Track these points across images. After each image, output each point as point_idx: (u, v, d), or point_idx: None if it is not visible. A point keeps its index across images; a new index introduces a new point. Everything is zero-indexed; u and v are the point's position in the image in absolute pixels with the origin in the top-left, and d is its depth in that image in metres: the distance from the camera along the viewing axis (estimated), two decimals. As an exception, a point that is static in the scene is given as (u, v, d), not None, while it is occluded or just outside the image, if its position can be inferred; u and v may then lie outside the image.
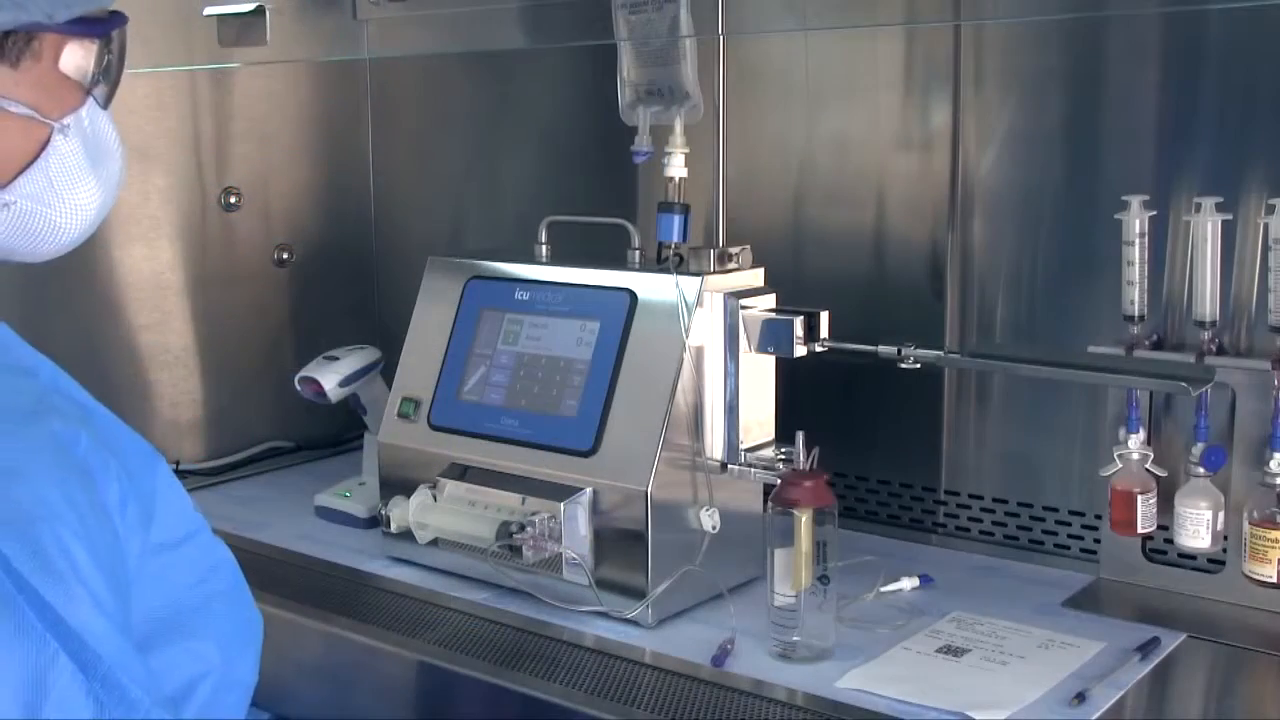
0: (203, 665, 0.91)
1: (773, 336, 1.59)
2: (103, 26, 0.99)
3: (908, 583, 1.63)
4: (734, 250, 1.66)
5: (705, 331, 1.59)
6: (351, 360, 2.02)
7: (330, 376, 1.99)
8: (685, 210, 1.72)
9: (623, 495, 1.53)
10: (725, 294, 1.60)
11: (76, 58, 0.98)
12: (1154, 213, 1.58)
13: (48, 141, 0.97)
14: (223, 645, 0.93)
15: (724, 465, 1.60)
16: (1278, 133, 1.55)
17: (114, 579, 0.82)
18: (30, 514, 0.79)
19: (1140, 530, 1.59)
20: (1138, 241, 1.58)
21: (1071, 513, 1.75)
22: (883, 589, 1.61)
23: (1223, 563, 1.57)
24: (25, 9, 0.91)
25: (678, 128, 1.76)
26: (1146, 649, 1.43)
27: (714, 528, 1.56)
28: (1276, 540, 1.50)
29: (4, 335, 0.92)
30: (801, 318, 1.58)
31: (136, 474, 0.90)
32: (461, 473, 1.68)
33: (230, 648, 0.93)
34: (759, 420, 1.63)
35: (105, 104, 1.02)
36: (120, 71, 1.02)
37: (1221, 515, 1.54)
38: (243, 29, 2.20)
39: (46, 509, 0.79)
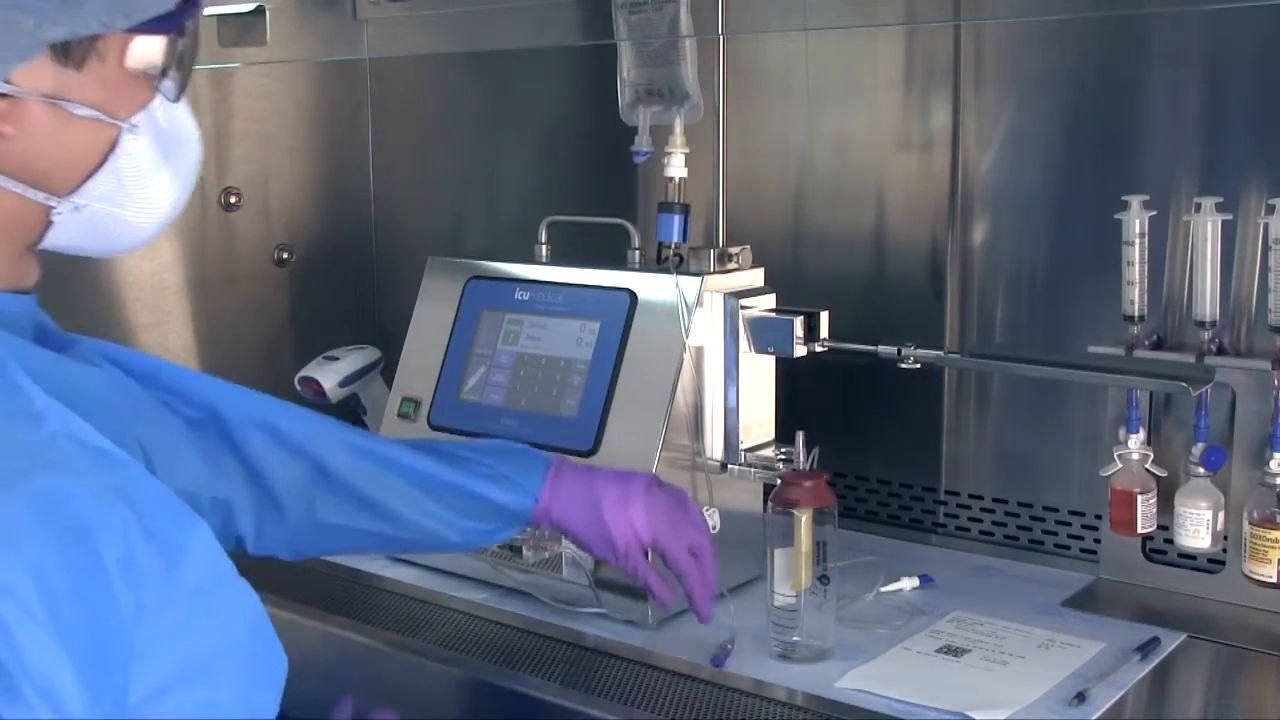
0: (222, 712, 0.86)
1: (773, 336, 1.59)
2: (172, 20, 0.95)
3: (908, 583, 1.63)
4: (734, 250, 1.66)
5: (705, 331, 1.59)
6: (351, 360, 2.02)
7: (330, 376, 1.99)
8: (685, 210, 1.72)
9: (623, 495, 1.53)
10: (725, 294, 1.60)
11: (145, 53, 0.95)
12: (1154, 213, 1.58)
13: (116, 142, 0.95)
14: (245, 689, 0.89)
15: (724, 465, 1.60)
16: (1278, 133, 1.55)
17: (92, 649, 0.76)
18: None
19: (1140, 530, 1.59)
20: (1138, 241, 1.58)
21: (1071, 513, 1.75)
22: (883, 589, 1.61)
23: (1223, 563, 1.57)
24: (81, 21, 0.88)
25: (678, 128, 1.76)
26: (1146, 649, 1.43)
27: (714, 527, 1.56)
28: (1276, 540, 1.50)
29: (18, 378, 0.85)
30: (801, 318, 1.58)
31: (156, 521, 0.83)
32: (461, 473, 1.68)
33: (252, 690, 0.90)
34: (759, 420, 1.63)
35: (176, 96, 0.98)
36: (193, 62, 0.98)
37: (1221, 515, 1.54)
38: (242, 29, 2.20)
39: None
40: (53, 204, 0.94)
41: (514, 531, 1.39)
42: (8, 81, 0.88)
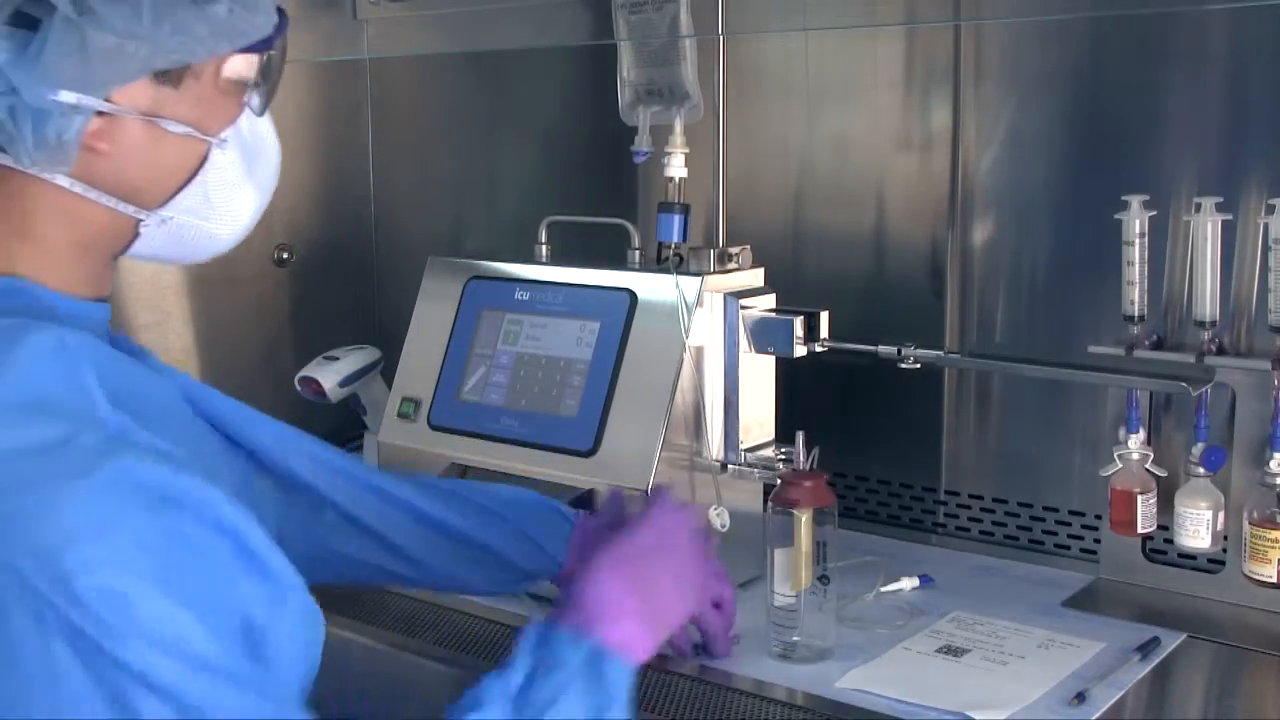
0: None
1: (773, 336, 1.59)
2: (269, 40, 0.98)
3: (908, 583, 1.63)
4: (734, 250, 1.66)
5: (705, 331, 1.59)
6: (351, 360, 2.02)
7: (330, 376, 1.99)
8: (685, 210, 1.72)
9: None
10: (725, 294, 1.60)
11: (238, 70, 0.97)
12: (1154, 213, 1.58)
13: (206, 157, 0.97)
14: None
15: (724, 465, 1.60)
16: (1278, 133, 1.55)
17: (204, 596, 0.81)
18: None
19: (1140, 530, 1.59)
20: (1138, 241, 1.58)
21: (1071, 513, 1.75)
22: (883, 589, 1.61)
23: (1223, 563, 1.57)
24: (190, 50, 0.91)
25: (678, 128, 1.77)
26: (1146, 649, 1.43)
27: (723, 527, 1.56)
28: (1276, 540, 1.50)
29: (89, 381, 0.86)
30: (801, 318, 1.58)
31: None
32: (462, 473, 1.68)
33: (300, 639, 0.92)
34: (759, 420, 1.63)
35: (261, 110, 1.01)
36: (279, 76, 1.01)
37: (1221, 515, 1.54)
38: (243, 29, 2.20)
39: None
40: (141, 217, 0.96)
41: (535, 585, 1.42)
42: (107, 100, 0.90)
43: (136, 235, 0.98)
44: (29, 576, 0.76)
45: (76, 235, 0.94)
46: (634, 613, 1.03)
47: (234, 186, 1.00)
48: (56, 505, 0.77)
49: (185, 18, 0.89)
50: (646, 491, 1.51)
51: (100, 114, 0.90)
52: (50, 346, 0.85)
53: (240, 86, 0.99)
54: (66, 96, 0.87)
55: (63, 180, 0.92)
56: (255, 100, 1.01)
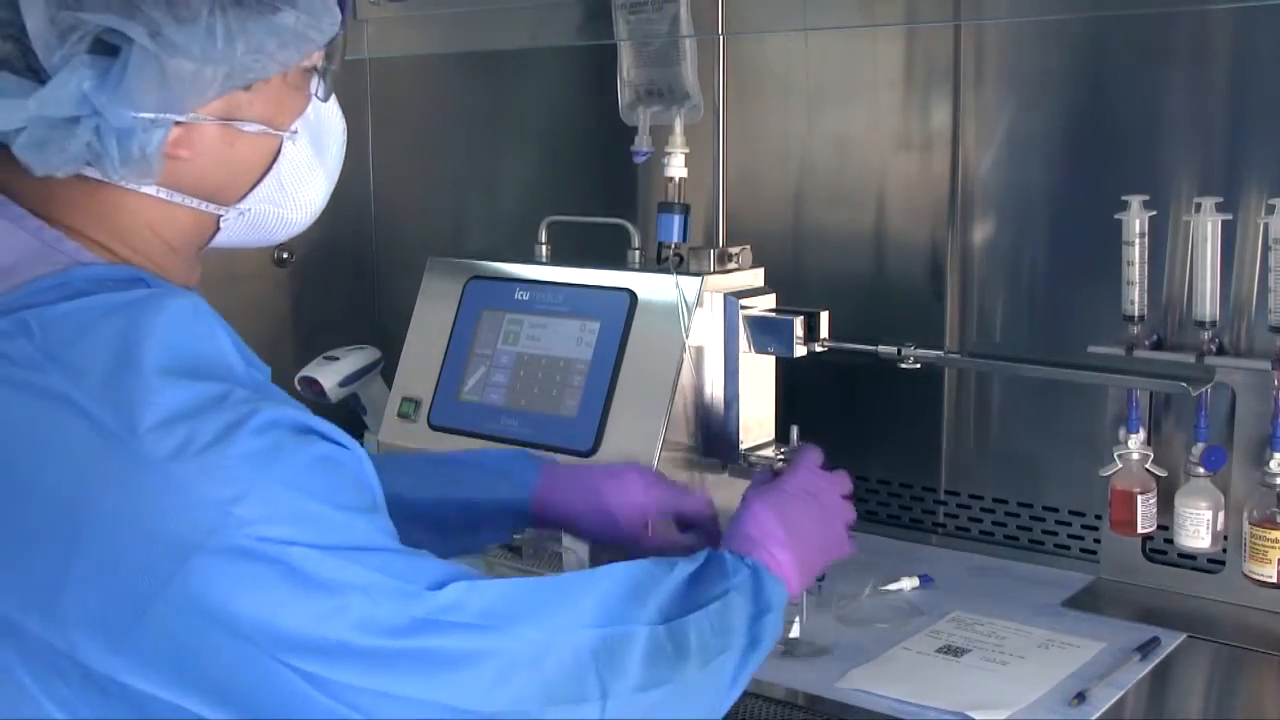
0: None
1: (773, 336, 1.59)
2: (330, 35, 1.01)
3: (908, 583, 1.63)
4: (734, 250, 1.66)
5: (705, 331, 1.59)
6: (351, 360, 2.02)
7: (330, 376, 1.99)
8: (685, 210, 1.72)
9: (623, 495, 1.53)
10: (725, 294, 1.60)
11: (304, 64, 1.00)
12: (1154, 213, 1.58)
13: (279, 150, 1.01)
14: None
15: (724, 465, 1.60)
16: (1278, 133, 1.55)
17: (359, 504, 0.89)
18: None
19: (1140, 530, 1.59)
20: (1138, 241, 1.58)
21: (1071, 513, 1.75)
22: (882, 588, 1.61)
23: (1223, 563, 1.57)
24: (264, 67, 0.94)
25: (678, 128, 1.77)
26: (1146, 649, 1.43)
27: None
28: (1276, 540, 1.50)
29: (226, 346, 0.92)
30: (801, 318, 1.58)
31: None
32: (461, 473, 1.68)
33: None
34: (759, 420, 1.63)
35: (327, 96, 1.04)
36: (341, 63, 1.04)
37: (1221, 515, 1.54)
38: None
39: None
40: (222, 213, 1.00)
41: (514, 531, 1.41)
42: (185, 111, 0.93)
43: (218, 229, 1.02)
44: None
45: (167, 236, 0.98)
46: (785, 544, 1.14)
47: (306, 174, 1.04)
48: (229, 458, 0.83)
49: (257, 34, 0.92)
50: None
51: (179, 123, 0.93)
52: (190, 311, 0.90)
53: (307, 77, 1.01)
54: (147, 114, 0.90)
55: (149, 189, 0.95)
56: (321, 88, 1.04)
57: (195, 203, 0.98)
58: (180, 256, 1.00)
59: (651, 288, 1.61)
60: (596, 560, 1.54)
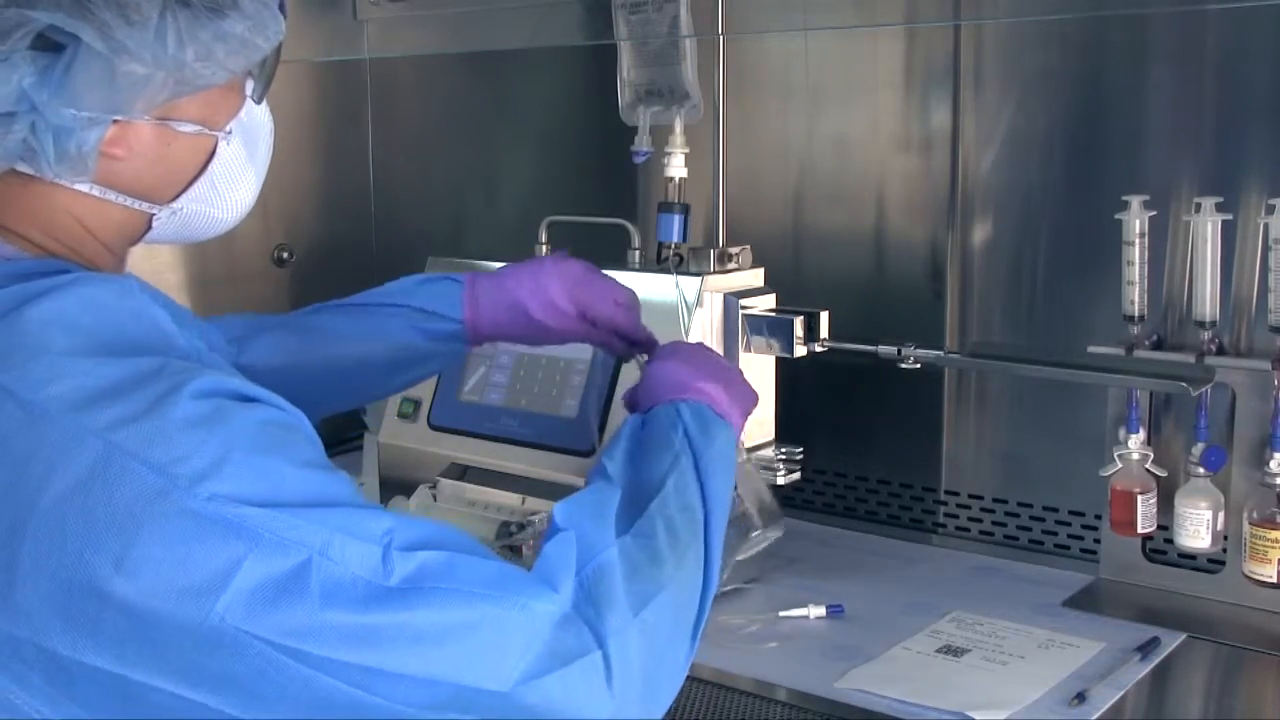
0: None
1: (773, 336, 1.59)
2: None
3: (813, 610, 1.53)
4: (734, 250, 1.66)
5: (705, 331, 1.59)
6: (351, 360, 2.02)
7: (330, 376, 1.98)
8: (685, 210, 1.72)
9: (623, 495, 1.53)
10: (725, 294, 1.60)
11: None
12: (1154, 213, 1.58)
13: (214, 150, 1.01)
14: None
15: (724, 465, 1.60)
16: (1278, 133, 1.55)
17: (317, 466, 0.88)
18: None
19: (1140, 530, 1.59)
20: (1138, 241, 1.58)
21: (1071, 513, 1.75)
22: (784, 614, 1.53)
23: (1223, 563, 1.57)
24: (212, 74, 0.94)
25: (678, 128, 1.77)
26: (1146, 649, 1.43)
27: None
28: (1276, 540, 1.50)
29: (160, 318, 0.92)
30: (801, 318, 1.58)
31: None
32: (461, 473, 1.68)
33: None
34: (759, 420, 1.63)
35: (261, 98, 1.04)
36: (275, 66, 1.04)
37: (1221, 515, 1.54)
38: (243, 29, 2.20)
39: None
40: (155, 211, 1.01)
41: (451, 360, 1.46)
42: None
43: (149, 227, 1.03)
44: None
45: (98, 232, 0.98)
46: (710, 376, 1.16)
47: (238, 174, 1.04)
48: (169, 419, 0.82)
49: (205, 40, 0.93)
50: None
51: (116, 122, 0.93)
52: (114, 292, 0.90)
53: (243, 79, 1.02)
54: (87, 113, 0.91)
55: (83, 186, 0.95)
56: (255, 88, 1.04)
57: (128, 201, 0.98)
58: (111, 252, 1.00)
59: (651, 288, 1.61)
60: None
